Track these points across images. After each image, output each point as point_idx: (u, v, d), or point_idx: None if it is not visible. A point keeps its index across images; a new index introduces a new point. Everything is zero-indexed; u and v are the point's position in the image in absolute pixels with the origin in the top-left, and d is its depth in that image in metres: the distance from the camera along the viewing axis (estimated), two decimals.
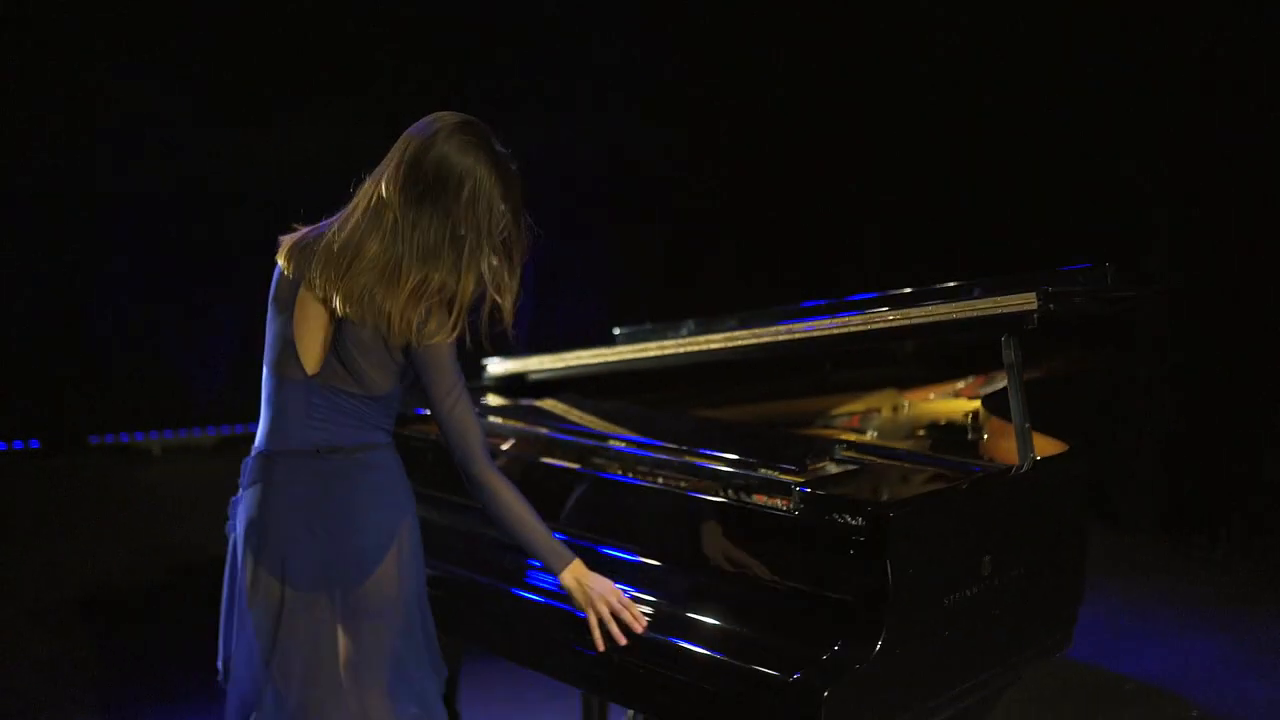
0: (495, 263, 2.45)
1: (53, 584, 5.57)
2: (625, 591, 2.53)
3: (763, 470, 2.66)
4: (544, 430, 3.07)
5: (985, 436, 3.11)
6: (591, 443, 2.95)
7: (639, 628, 2.46)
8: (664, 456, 2.81)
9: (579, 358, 3.46)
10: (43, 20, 6.54)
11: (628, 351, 3.37)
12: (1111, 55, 6.54)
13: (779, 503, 2.55)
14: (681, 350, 3.25)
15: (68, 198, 6.74)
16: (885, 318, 2.84)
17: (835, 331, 2.93)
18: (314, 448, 2.46)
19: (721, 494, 2.65)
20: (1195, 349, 6.48)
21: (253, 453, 2.57)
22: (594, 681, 2.56)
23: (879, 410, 3.45)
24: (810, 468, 2.66)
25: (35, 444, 6.56)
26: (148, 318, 6.90)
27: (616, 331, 3.77)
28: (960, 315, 2.71)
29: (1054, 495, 2.80)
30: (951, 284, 2.96)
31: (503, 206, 2.44)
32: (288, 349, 2.47)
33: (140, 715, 4.40)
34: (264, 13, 6.98)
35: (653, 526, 2.67)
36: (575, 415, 3.14)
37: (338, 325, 2.43)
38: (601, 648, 2.46)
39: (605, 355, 3.42)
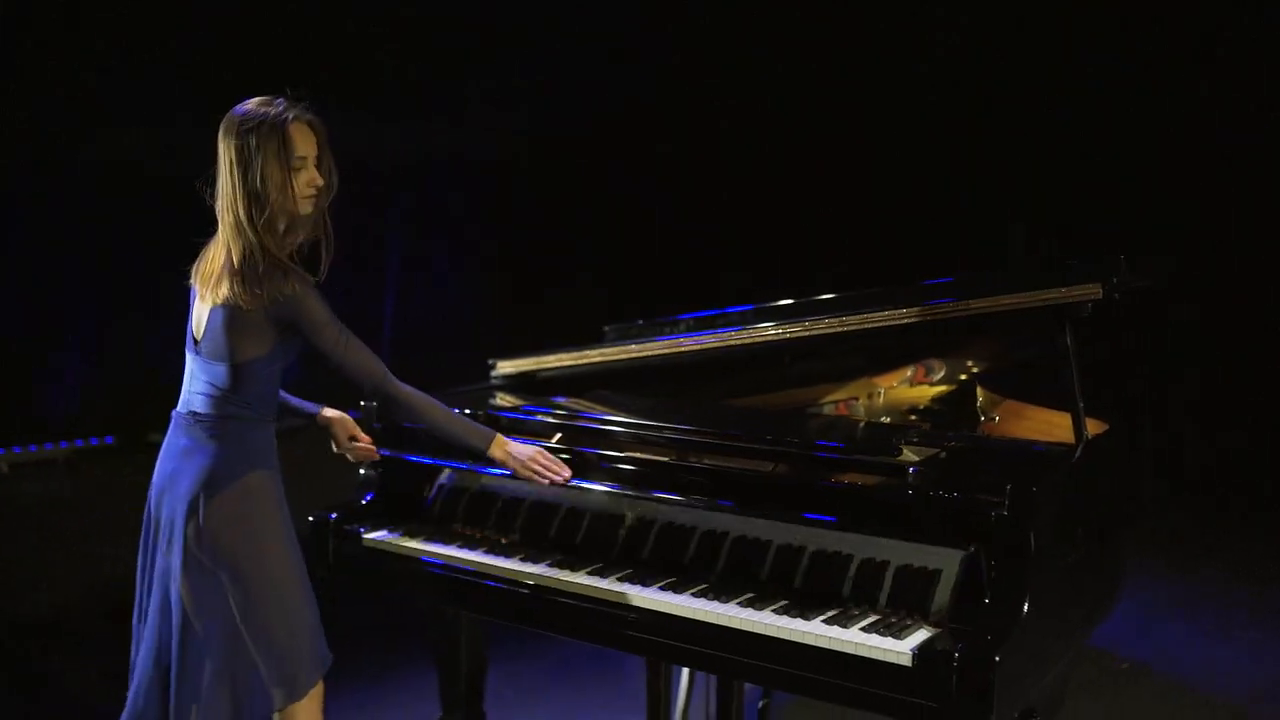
0: (303, 212, 2.73)
1: None
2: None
3: (861, 455, 2.73)
4: (615, 426, 3.04)
5: (997, 418, 3.17)
6: (683, 438, 2.93)
7: (566, 475, 2.83)
8: (758, 446, 2.81)
9: (593, 355, 3.47)
10: (43, 20, 6.53)
11: (646, 349, 3.38)
12: (1111, 55, 6.56)
13: (893, 484, 2.61)
14: (713, 346, 3.31)
15: (66, 197, 6.74)
16: (949, 309, 2.93)
17: (902, 321, 3.02)
18: (189, 411, 2.77)
19: (820, 479, 2.68)
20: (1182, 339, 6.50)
21: None
22: (739, 668, 2.61)
23: (858, 398, 3.50)
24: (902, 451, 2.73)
25: None
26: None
27: (606, 329, 3.74)
28: (1026, 304, 2.83)
29: (1110, 468, 2.96)
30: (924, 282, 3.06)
31: (278, 165, 2.66)
32: (189, 325, 2.80)
33: None
34: (264, 13, 6.97)
35: (764, 516, 2.72)
36: (625, 413, 3.11)
37: (212, 307, 2.72)
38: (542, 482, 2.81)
39: (627, 352, 3.42)
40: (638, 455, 2.90)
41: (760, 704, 3.47)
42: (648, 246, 7.75)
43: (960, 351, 3.69)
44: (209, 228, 2.81)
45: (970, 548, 2.42)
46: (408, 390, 2.76)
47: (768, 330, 3.23)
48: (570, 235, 7.72)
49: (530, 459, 2.81)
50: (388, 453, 3.16)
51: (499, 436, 2.81)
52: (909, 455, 2.69)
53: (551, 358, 3.56)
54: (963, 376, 3.65)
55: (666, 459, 2.86)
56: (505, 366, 3.67)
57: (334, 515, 3.14)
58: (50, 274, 6.81)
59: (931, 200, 7.35)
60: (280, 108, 2.69)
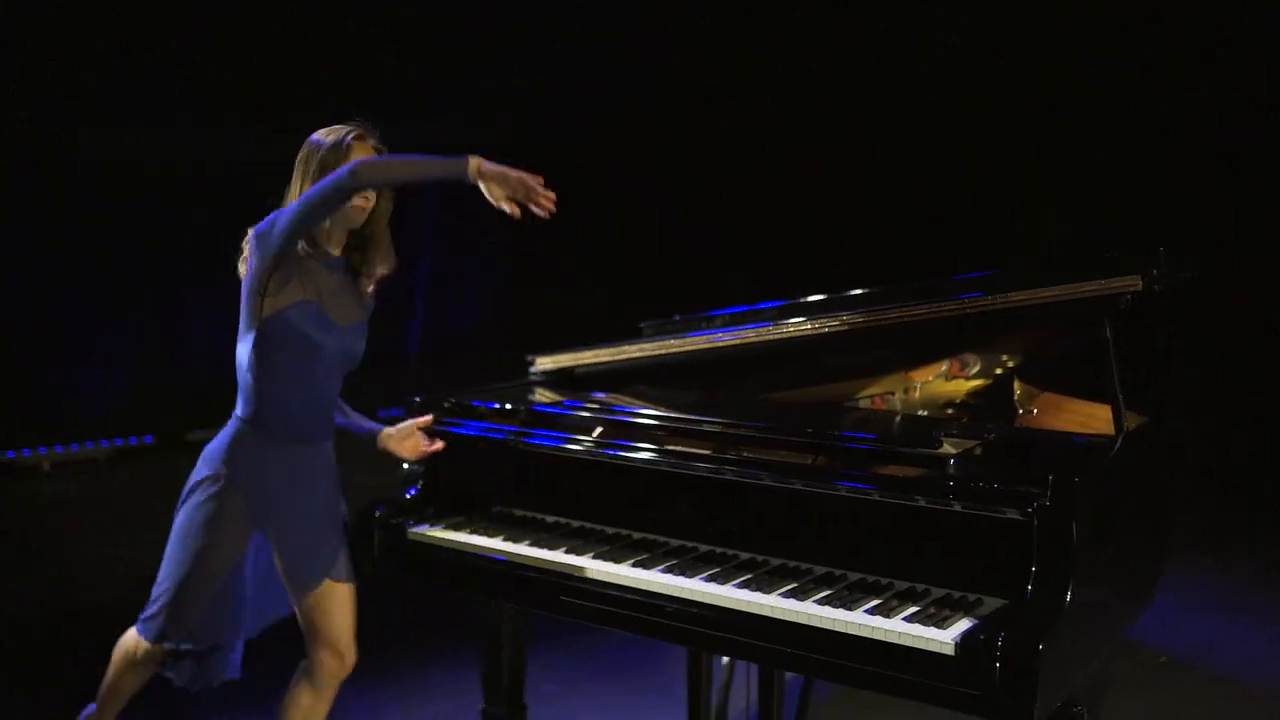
0: (355, 220, 2.89)
1: None
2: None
3: (901, 446, 2.73)
4: (657, 420, 3.03)
5: (1035, 411, 3.18)
6: (725, 431, 2.92)
7: (549, 197, 2.80)
8: (802, 439, 2.81)
9: (631, 351, 3.46)
10: (43, 20, 6.50)
11: (683, 344, 3.38)
12: (1111, 55, 6.61)
13: (934, 475, 2.60)
14: (750, 340, 3.30)
15: (66, 197, 6.72)
16: (989, 302, 2.95)
17: (944, 315, 3.04)
18: None
19: (864, 473, 2.68)
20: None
21: None
22: (785, 658, 2.61)
23: (894, 392, 3.52)
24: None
25: None
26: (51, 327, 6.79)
27: (642, 325, 3.74)
28: (1067, 296, 2.86)
29: (1150, 460, 2.96)
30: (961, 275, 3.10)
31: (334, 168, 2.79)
32: None
33: None
34: (264, 13, 6.96)
35: (814, 507, 2.73)
36: (665, 407, 3.11)
37: None
38: (516, 211, 2.78)
39: (665, 348, 3.41)
40: (681, 449, 2.90)
41: (800, 692, 3.47)
42: (648, 246, 7.76)
43: (995, 345, 3.68)
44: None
45: (1004, 538, 2.44)
46: (368, 165, 2.75)
47: (804, 325, 3.23)
48: (570, 235, 7.70)
49: (508, 171, 2.74)
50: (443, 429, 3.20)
51: (473, 158, 2.73)
52: (949, 447, 2.71)
53: (589, 353, 3.54)
54: (998, 370, 3.65)
55: (710, 451, 2.87)
56: (544, 362, 3.65)
57: (380, 509, 3.15)
58: (50, 273, 6.78)
59: (931, 200, 7.39)
60: (348, 128, 2.86)
